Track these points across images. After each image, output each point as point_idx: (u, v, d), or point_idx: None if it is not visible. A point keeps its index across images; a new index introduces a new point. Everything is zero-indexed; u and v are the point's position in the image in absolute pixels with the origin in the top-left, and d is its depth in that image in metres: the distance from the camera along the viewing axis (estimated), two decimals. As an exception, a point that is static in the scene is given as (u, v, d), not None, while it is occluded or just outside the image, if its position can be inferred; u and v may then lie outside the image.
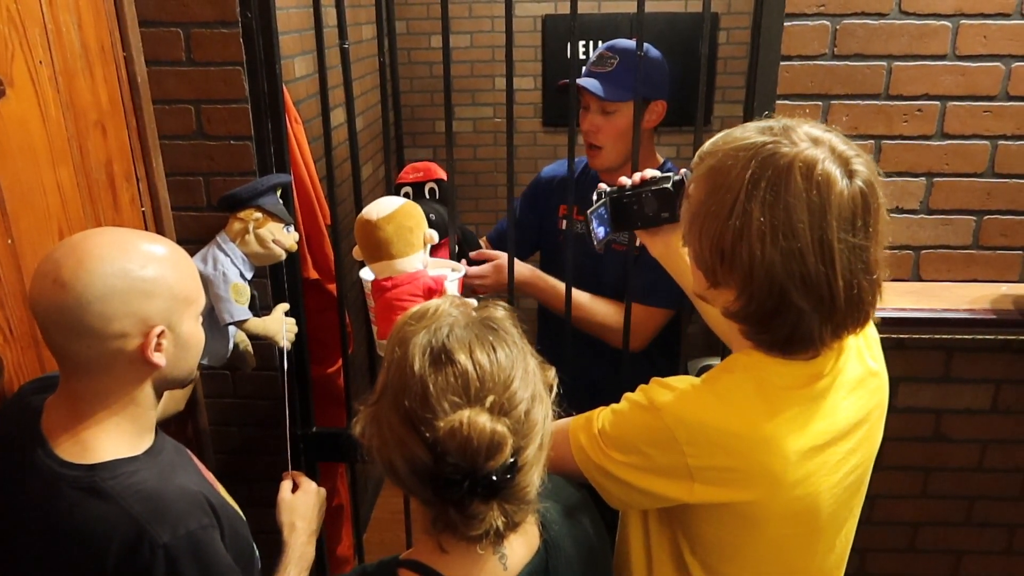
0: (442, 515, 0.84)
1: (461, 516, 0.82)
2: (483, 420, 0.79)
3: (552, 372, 0.93)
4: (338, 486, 2.38)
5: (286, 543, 1.31)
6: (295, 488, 1.41)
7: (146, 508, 0.98)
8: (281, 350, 1.59)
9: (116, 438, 1.03)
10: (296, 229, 1.59)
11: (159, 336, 1.02)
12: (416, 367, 0.82)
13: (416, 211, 1.45)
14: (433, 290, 1.43)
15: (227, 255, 1.49)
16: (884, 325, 1.63)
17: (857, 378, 1.06)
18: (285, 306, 1.61)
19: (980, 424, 1.87)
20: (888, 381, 1.13)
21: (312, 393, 1.84)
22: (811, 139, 0.93)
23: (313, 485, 1.42)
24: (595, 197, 1.32)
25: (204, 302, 1.13)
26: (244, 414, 1.87)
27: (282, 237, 1.52)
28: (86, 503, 0.97)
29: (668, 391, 1.03)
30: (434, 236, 1.48)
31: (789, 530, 1.04)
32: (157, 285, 1.01)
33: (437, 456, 0.79)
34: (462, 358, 0.82)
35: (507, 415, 0.82)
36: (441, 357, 0.82)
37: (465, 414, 0.79)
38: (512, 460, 0.81)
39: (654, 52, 1.85)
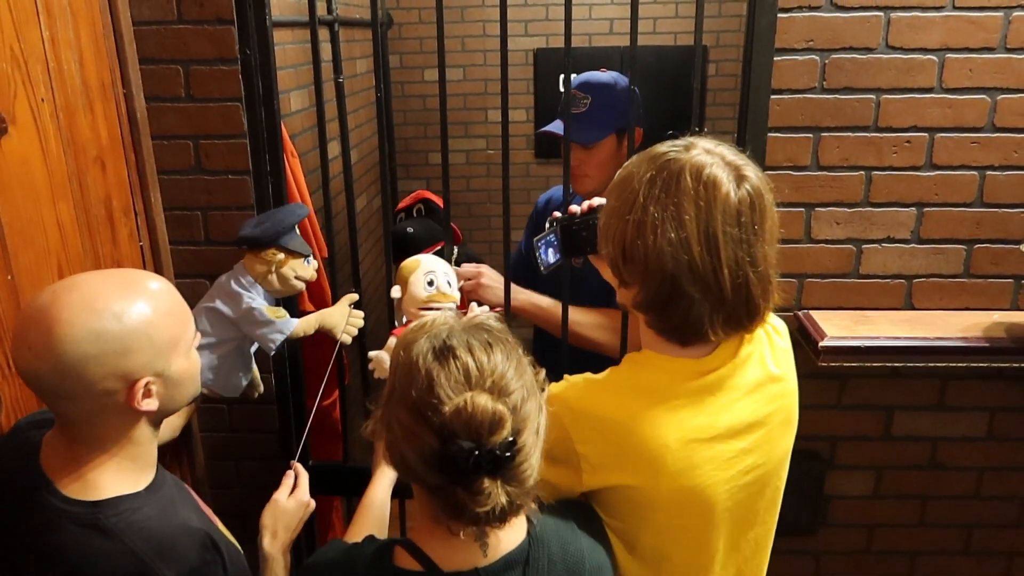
0: (451, 498, 0.89)
1: (468, 493, 0.87)
2: (484, 399, 0.87)
3: (543, 374, 1.00)
4: (333, 520, 2.36)
5: (266, 552, 1.26)
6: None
7: (149, 546, 0.97)
8: (340, 345, 1.58)
9: (118, 475, 1.03)
10: (314, 257, 1.58)
11: (147, 385, 1.00)
12: (421, 363, 0.91)
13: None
14: None
15: (250, 291, 1.47)
16: (878, 353, 1.66)
17: (756, 381, 1.12)
18: (353, 297, 1.60)
19: (976, 452, 1.87)
20: (796, 390, 1.18)
21: (308, 427, 1.83)
22: (705, 150, 1.04)
23: (306, 496, 1.37)
24: (547, 225, 1.36)
25: (193, 331, 1.10)
26: (240, 448, 1.86)
27: (303, 271, 1.50)
28: (89, 540, 0.97)
29: (564, 383, 1.13)
30: (396, 292, 1.55)
31: (682, 520, 1.10)
32: (134, 339, 0.97)
33: (445, 438, 0.86)
34: (462, 353, 0.91)
35: (505, 397, 0.89)
36: (444, 353, 0.91)
37: (468, 395, 0.87)
38: (512, 439, 0.88)
39: (623, 81, 1.89)
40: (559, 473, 1.10)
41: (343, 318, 1.56)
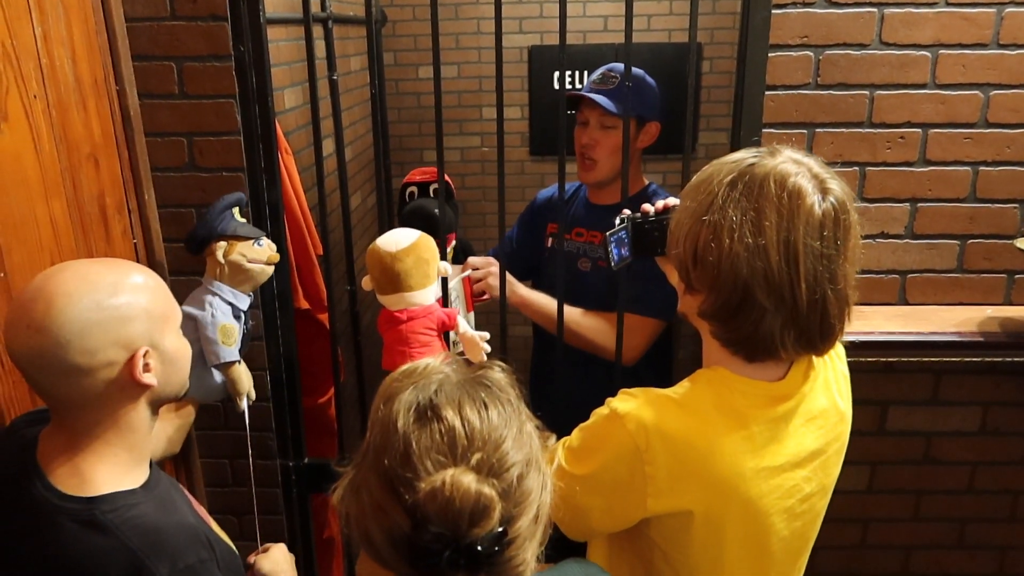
0: None
1: None
2: (467, 480, 0.71)
3: (551, 440, 0.87)
4: (329, 518, 2.36)
5: None
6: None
7: (145, 542, 0.97)
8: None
9: (114, 469, 1.03)
10: (283, 260, 1.57)
11: (145, 356, 1.02)
12: (400, 424, 0.76)
13: (432, 243, 1.45)
14: (446, 324, 1.43)
15: (215, 294, 1.46)
16: (873, 348, 1.66)
17: (820, 409, 1.08)
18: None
19: (969, 446, 1.88)
20: (851, 421, 1.15)
21: (303, 424, 1.83)
22: (792, 160, 1.00)
23: (280, 546, 1.43)
24: (617, 221, 1.33)
25: (180, 316, 1.13)
26: (235, 446, 1.85)
27: (255, 254, 1.48)
28: (85, 536, 0.96)
29: (631, 399, 1.06)
30: (447, 269, 1.49)
31: (742, 551, 1.06)
32: (131, 308, 1.01)
33: (417, 523, 0.72)
34: (449, 415, 0.76)
35: (496, 477, 0.74)
36: (427, 413, 0.77)
37: (448, 473, 0.72)
38: (501, 530, 0.73)
39: (649, 78, 1.93)
40: (617, 498, 1.04)
41: (250, 382, 1.55)
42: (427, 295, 1.42)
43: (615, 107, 1.83)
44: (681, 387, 1.07)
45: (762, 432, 1.02)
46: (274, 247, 1.53)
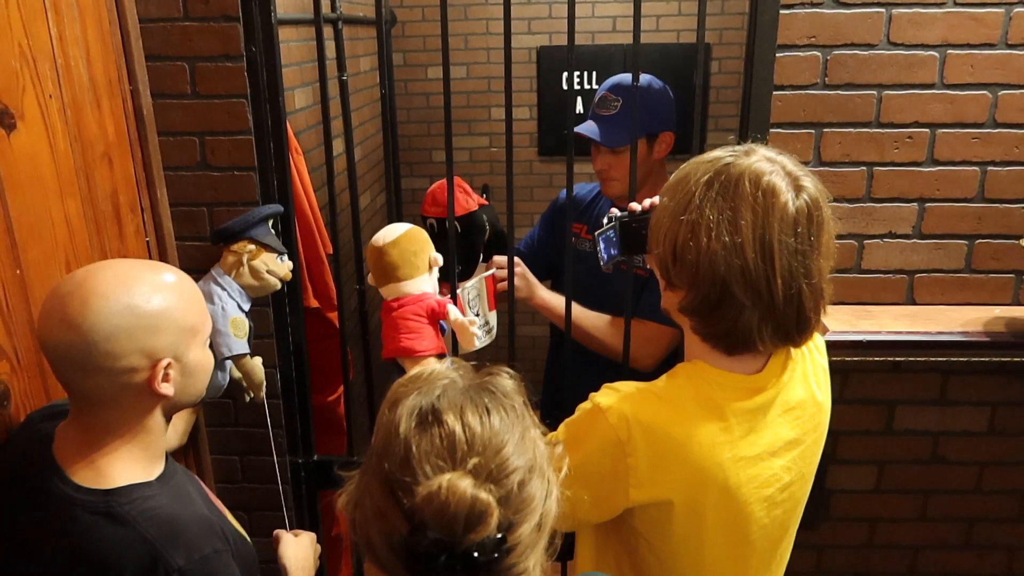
0: None
1: None
2: (464, 485, 0.71)
3: (559, 448, 0.86)
4: (338, 515, 2.37)
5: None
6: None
7: (161, 533, 0.99)
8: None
9: (130, 464, 1.04)
10: (292, 258, 1.60)
11: (166, 368, 1.03)
12: (401, 428, 0.76)
13: (420, 235, 1.51)
14: (436, 312, 1.47)
15: (224, 289, 1.49)
16: (880, 348, 1.66)
17: (798, 400, 1.11)
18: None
19: (977, 446, 1.88)
20: (830, 412, 1.17)
21: (313, 421, 1.85)
22: (766, 159, 1.03)
23: (311, 536, 1.46)
24: (605, 220, 1.35)
25: (210, 328, 1.14)
26: (245, 443, 1.87)
27: (276, 267, 1.53)
28: (102, 528, 0.98)
29: (613, 392, 1.09)
30: (439, 259, 1.53)
31: (722, 539, 1.09)
32: (163, 319, 1.02)
33: (415, 527, 0.71)
34: (450, 419, 0.76)
35: (495, 483, 0.73)
36: (428, 418, 0.76)
37: (445, 478, 0.71)
38: (500, 536, 0.72)
39: (657, 84, 1.89)
40: (602, 490, 1.07)
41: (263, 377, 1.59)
42: (417, 284, 1.48)
43: (610, 140, 1.82)
44: (661, 381, 1.10)
45: (739, 423, 1.05)
46: (291, 266, 1.57)
